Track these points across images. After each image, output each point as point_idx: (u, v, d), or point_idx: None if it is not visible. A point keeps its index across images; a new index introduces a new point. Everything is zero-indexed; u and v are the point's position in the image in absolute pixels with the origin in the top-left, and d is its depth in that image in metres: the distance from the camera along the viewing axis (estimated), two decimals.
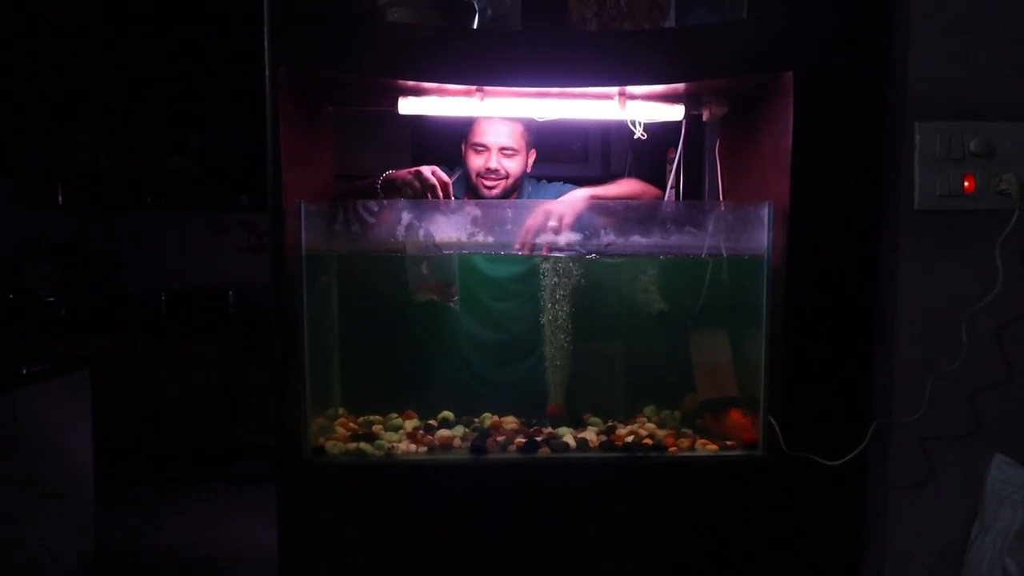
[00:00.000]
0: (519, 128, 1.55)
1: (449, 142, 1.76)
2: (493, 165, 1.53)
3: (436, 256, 1.22)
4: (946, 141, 1.04)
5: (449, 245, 1.16)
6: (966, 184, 1.05)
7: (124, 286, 3.91)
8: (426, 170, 1.36)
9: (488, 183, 1.55)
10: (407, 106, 1.18)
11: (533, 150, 1.62)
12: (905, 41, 1.05)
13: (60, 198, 3.73)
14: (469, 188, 1.59)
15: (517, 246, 1.19)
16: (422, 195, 1.34)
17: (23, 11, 3.36)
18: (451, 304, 1.30)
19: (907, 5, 1.04)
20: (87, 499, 2.31)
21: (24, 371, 2.04)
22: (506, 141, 1.54)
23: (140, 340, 3.46)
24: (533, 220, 1.20)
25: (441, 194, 1.34)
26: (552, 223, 1.19)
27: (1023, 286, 1.06)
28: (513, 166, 1.55)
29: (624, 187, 1.55)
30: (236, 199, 3.81)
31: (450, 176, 1.41)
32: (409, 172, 1.37)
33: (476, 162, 1.55)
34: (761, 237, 1.11)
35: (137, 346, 3.45)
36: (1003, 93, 1.06)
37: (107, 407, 3.26)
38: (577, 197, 1.51)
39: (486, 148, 1.53)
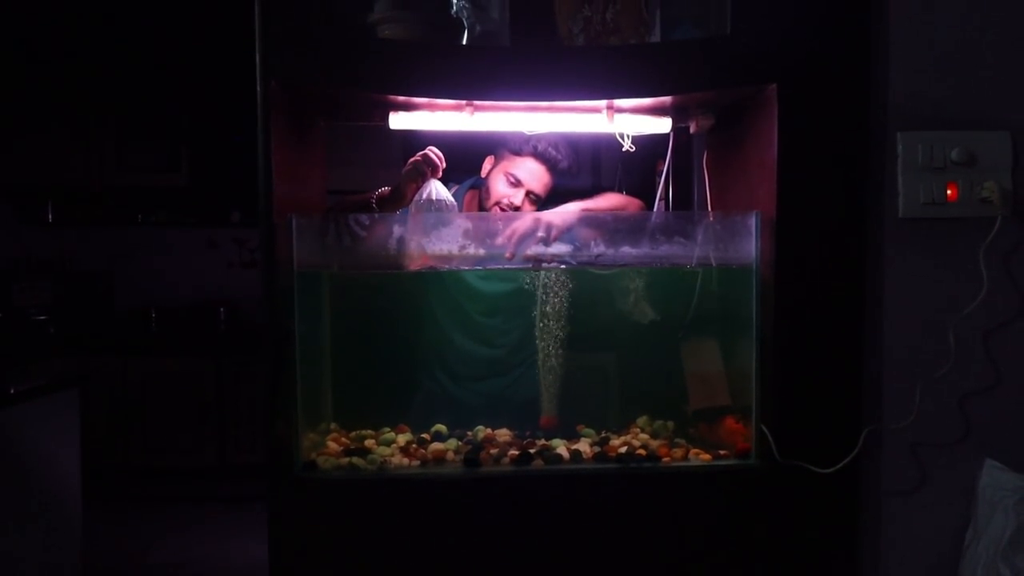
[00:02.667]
0: (551, 184, 1.57)
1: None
2: (517, 203, 1.53)
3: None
4: (928, 150, 1.06)
5: (442, 258, 1.16)
6: (949, 192, 1.06)
7: (114, 303, 3.88)
8: (429, 153, 1.36)
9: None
10: (398, 121, 1.19)
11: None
12: (886, 53, 1.07)
13: (50, 215, 3.71)
14: (480, 206, 1.59)
15: (499, 242, 1.19)
16: (432, 171, 1.35)
17: (13, 28, 3.36)
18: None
19: (887, 18, 1.07)
20: (75, 519, 2.27)
21: (12, 390, 2.02)
22: (539, 191, 1.55)
23: (130, 358, 3.42)
24: (522, 224, 1.20)
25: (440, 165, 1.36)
26: (541, 233, 1.20)
27: (1007, 291, 1.08)
28: (529, 210, 1.57)
29: (609, 201, 1.56)
30: (227, 215, 3.80)
31: (448, 188, 1.41)
32: (416, 157, 1.36)
33: (502, 189, 1.54)
34: (749, 246, 1.12)
35: (127, 364, 3.42)
36: (983, 103, 1.08)
37: (97, 425, 3.23)
38: (565, 210, 1.52)
39: (519, 185, 1.53)
